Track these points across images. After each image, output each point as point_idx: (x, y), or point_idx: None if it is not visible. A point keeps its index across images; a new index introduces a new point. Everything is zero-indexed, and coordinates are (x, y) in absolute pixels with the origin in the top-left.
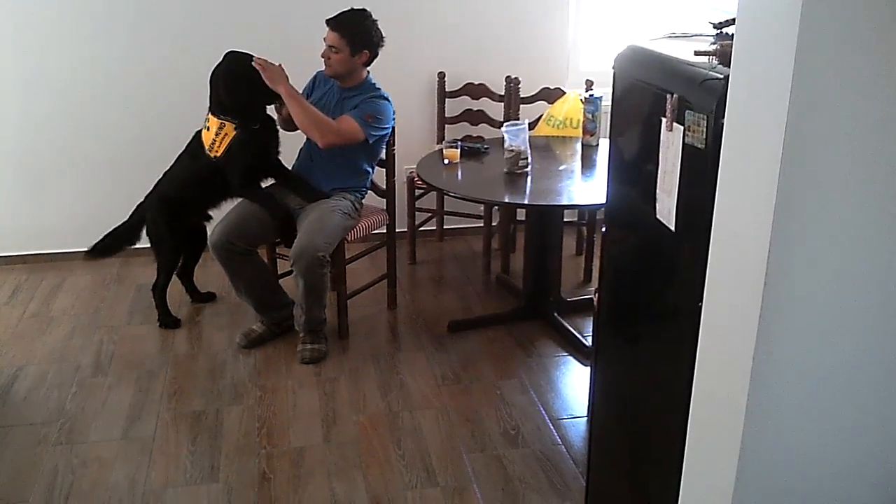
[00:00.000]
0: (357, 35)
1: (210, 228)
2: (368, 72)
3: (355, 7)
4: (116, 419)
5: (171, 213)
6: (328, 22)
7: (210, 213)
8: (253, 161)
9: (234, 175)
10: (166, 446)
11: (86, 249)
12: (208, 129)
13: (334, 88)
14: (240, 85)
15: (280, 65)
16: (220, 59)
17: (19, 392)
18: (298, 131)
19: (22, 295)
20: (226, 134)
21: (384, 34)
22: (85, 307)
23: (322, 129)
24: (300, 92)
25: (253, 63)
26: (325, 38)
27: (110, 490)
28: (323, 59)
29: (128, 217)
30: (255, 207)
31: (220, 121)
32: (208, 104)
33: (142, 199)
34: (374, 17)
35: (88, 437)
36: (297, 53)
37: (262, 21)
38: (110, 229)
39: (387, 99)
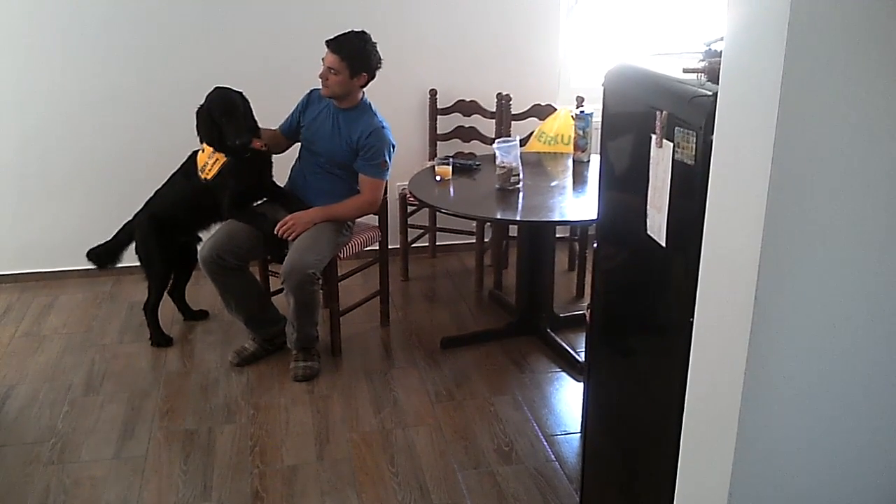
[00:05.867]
0: (357, 58)
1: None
2: (364, 92)
3: (356, 30)
4: (108, 438)
5: (161, 232)
6: (328, 43)
7: (199, 233)
8: (243, 187)
9: (224, 199)
10: (158, 465)
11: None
12: (203, 151)
13: (330, 108)
14: (214, 129)
15: (301, 213)
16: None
17: (11, 411)
18: (289, 150)
19: (13, 314)
20: (217, 159)
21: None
22: (77, 326)
23: (364, 212)
24: (290, 113)
25: (285, 234)
26: (323, 59)
27: None
28: (321, 80)
29: (113, 235)
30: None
31: None
32: None
33: (130, 218)
34: (372, 39)
35: (80, 457)
36: (291, 72)
37: (256, 42)
38: (94, 246)
39: (383, 126)
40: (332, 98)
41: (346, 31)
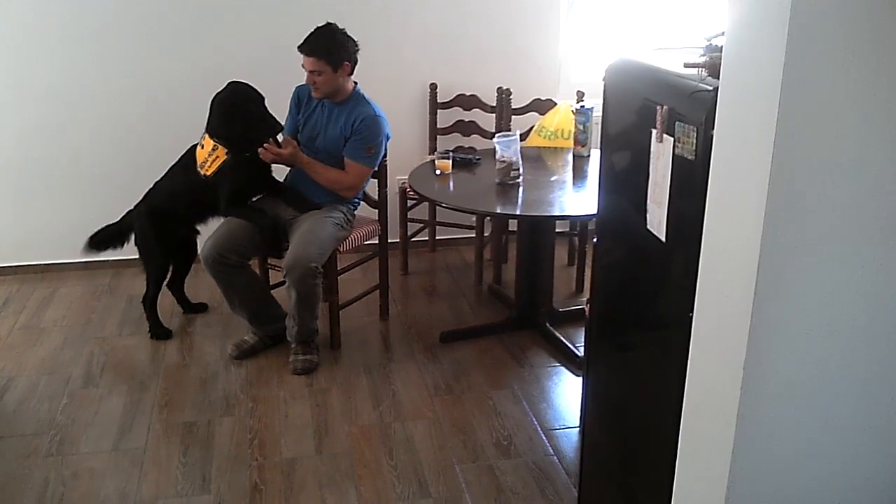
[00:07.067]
0: (333, 52)
1: (199, 240)
2: (356, 83)
3: (320, 25)
4: (107, 430)
5: (159, 224)
6: (301, 49)
7: (198, 226)
8: (241, 185)
9: (221, 196)
10: (157, 458)
11: (87, 241)
12: (202, 147)
13: (323, 103)
14: (233, 119)
15: (291, 146)
16: (224, 85)
17: (10, 403)
18: None
19: (13, 306)
20: (217, 156)
21: (375, 44)
22: (76, 318)
23: (340, 188)
24: (288, 116)
25: (261, 155)
26: (302, 65)
27: (101, 502)
28: (309, 85)
29: (118, 220)
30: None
31: (214, 142)
32: (206, 122)
33: (131, 207)
34: (340, 26)
35: (79, 449)
36: (290, 69)
37: (255, 38)
38: (101, 227)
39: (377, 115)
40: (324, 98)
41: (312, 30)
